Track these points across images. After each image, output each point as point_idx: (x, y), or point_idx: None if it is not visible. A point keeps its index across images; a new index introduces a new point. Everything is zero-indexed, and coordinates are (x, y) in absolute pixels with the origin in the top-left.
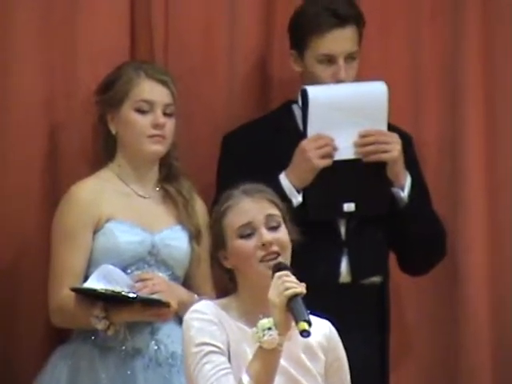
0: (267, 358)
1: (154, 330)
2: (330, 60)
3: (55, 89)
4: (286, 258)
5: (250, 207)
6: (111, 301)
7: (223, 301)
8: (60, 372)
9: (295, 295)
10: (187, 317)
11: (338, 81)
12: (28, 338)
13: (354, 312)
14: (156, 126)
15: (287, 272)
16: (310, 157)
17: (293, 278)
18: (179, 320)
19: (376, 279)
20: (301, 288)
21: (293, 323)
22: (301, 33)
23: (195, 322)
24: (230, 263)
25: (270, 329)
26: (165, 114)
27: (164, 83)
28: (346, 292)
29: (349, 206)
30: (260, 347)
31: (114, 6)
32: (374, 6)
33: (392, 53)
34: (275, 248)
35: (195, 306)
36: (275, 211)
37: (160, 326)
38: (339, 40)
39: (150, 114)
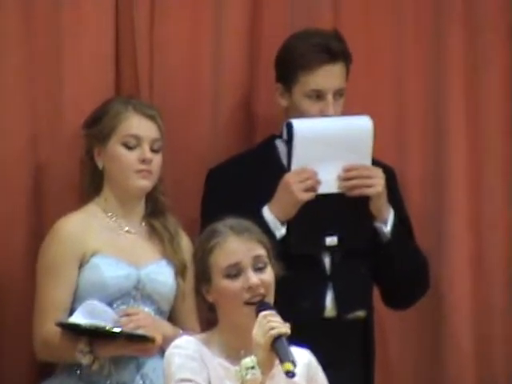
0: None
1: (139, 365)
2: (318, 96)
3: (39, 126)
4: (270, 299)
5: (238, 248)
6: (96, 335)
7: (204, 336)
8: None
9: (280, 335)
10: (168, 352)
11: (324, 115)
12: (12, 372)
13: (339, 347)
14: (143, 161)
15: (272, 312)
16: (293, 190)
17: (278, 318)
18: (164, 354)
19: (361, 313)
20: (285, 328)
21: (276, 362)
22: (290, 68)
23: (176, 358)
24: (212, 298)
25: (253, 368)
26: (152, 150)
27: (152, 118)
28: (330, 327)
29: (331, 240)
30: None
31: (99, 44)
32: (359, 42)
33: (377, 88)
34: (261, 290)
35: (176, 342)
36: (262, 252)
37: (145, 360)
38: (329, 76)
39: (137, 149)
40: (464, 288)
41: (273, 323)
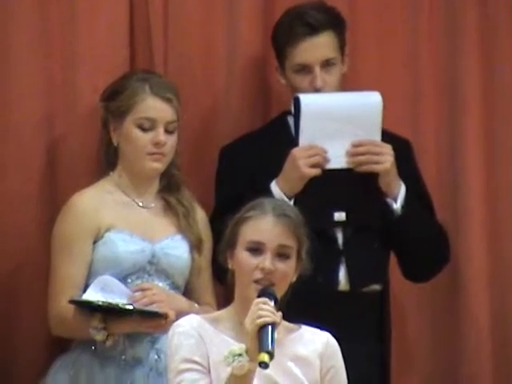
0: (238, 382)
1: (154, 340)
2: (305, 69)
3: (55, 100)
4: (279, 289)
5: (269, 229)
6: (109, 312)
7: (215, 314)
8: (60, 382)
9: (266, 324)
10: (169, 332)
11: (316, 90)
12: (28, 348)
13: (354, 320)
14: (156, 144)
15: (266, 299)
16: (299, 165)
17: (269, 307)
18: None
19: (375, 287)
20: (273, 318)
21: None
22: (279, 44)
23: (175, 338)
24: (231, 265)
25: (240, 355)
26: (166, 131)
27: (168, 101)
28: (344, 300)
29: (339, 215)
30: (231, 372)
31: (114, 19)
32: (371, 17)
33: (389, 62)
34: (272, 277)
35: (178, 321)
36: (291, 243)
37: (160, 335)
38: (311, 48)
39: (151, 131)
40: (481, 262)
41: (262, 311)
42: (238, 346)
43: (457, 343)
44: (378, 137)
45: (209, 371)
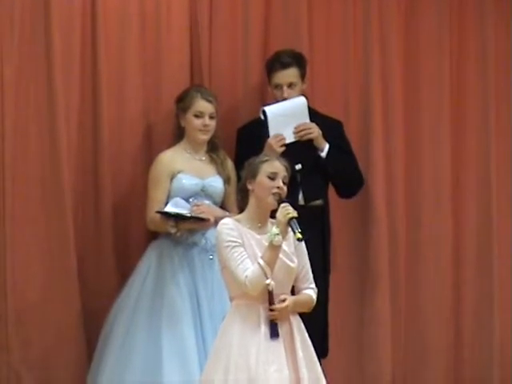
0: (274, 250)
1: (204, 232)
2: (279, 87)
3: (150, 102)
4: (283, 198)
5: (279, 166)
6: (178, 218)
7: (237, 216)
8: (152, 256)
9: (292, 217)
10: (219, 227)
11: (284, 98)
12: (138, 234)
13: (307, 225)
14: (204, 125)
15: (288, 204)
16: (273, 146)
17: (291, 208)
18: (216, 227)
19: (319, 202)
20: (295, 213)
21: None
22: (268, 71)
23: (224, 229)
24: (252, 187)
25: (277, 234)
26: (210, 118)
27: (210, 102)
28: (302, 210)
29: (298, 166)
30: (271, 244)
31: (181, 58)
32: (323, 55)
33: (337, 81)
34: (282, 192)
35: (223, 220)
36: (287, 174)
37: (206, 230)
38: (283, 76)
39: (202, 118)
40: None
41: (289, 210)
42: (275, 229)
43: (368, 239)
44: (307, 120)
45: (244, 248)
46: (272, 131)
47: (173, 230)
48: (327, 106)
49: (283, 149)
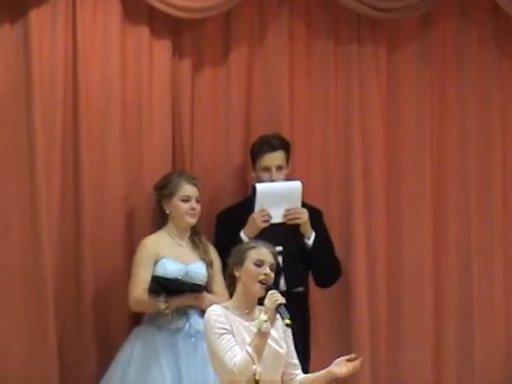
0: (263, 337)
1: (188, 316)
2: (267, 169)
3: (131, 188)
4: (270, 285)
5: (267, 253)
6: (171, 286)
7: (225, 304)
8: (135, 340)
9: (281, 304)
10: (207, 314)
11: (272, 181)
12: (117, 323)
13: (289, 310)
14: (192, 209)
15: (276, 291)
16: (256, 221)
17: (279, 295)
18: (201, 312)
19: (300, 289)
20: (283, 300)
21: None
22: (254, 155)
23: (212, 315)
24: (239, 274)
25: (266, 321)
26: (196, 201)
27: (195, 185)
28: (284, 296)
29: (279, 248)
30: (259, 331)
31: (164, 144)
32: (304, 141)
33: (313, 165)
34: (269, 279)
35: (211, 307)
36: (274, 262)
37: (192, 314)
38: (272, 159)
39: (189, 201)
40: (362, 272)
41: (277, 297)
42: (264, 316)
43: (350, 328)
44: (299, 205)
45: (233, 335)
46: (258, 206)
47: (163, 306)
48: (308, 191)
49: (266, 224)
